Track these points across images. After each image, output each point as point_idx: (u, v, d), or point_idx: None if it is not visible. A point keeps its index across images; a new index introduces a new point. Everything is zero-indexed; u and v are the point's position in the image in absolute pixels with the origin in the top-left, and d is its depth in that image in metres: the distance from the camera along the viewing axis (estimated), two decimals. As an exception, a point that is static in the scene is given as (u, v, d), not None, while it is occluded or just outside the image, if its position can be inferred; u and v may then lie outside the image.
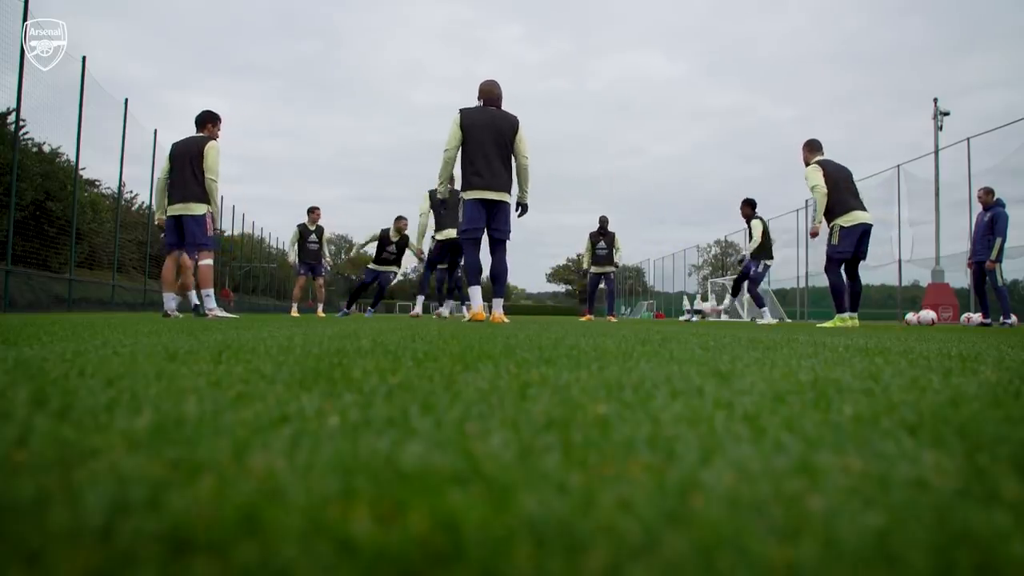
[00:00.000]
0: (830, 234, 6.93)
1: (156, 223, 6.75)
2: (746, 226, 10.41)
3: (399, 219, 10.90)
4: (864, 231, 6.87)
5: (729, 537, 0.36)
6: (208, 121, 6.67)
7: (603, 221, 11.69)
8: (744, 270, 10.33)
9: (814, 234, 7.10)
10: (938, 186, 16.46)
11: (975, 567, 0.34)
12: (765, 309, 10.10)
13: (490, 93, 5.95)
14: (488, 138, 5.76)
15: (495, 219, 5.92)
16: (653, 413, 0.76)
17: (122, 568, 0.32)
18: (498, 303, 6.21)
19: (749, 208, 10.22)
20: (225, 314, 6.56)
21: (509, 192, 5.93)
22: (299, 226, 11.55)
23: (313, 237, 11.55)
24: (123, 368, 1.19)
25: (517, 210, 6.08)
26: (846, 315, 6.96)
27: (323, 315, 11.23)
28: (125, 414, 0.71)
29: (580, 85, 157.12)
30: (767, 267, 10.31)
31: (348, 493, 0.43)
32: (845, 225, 6.82)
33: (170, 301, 6.54)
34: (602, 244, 11.63)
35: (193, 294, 7.67)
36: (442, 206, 6.74)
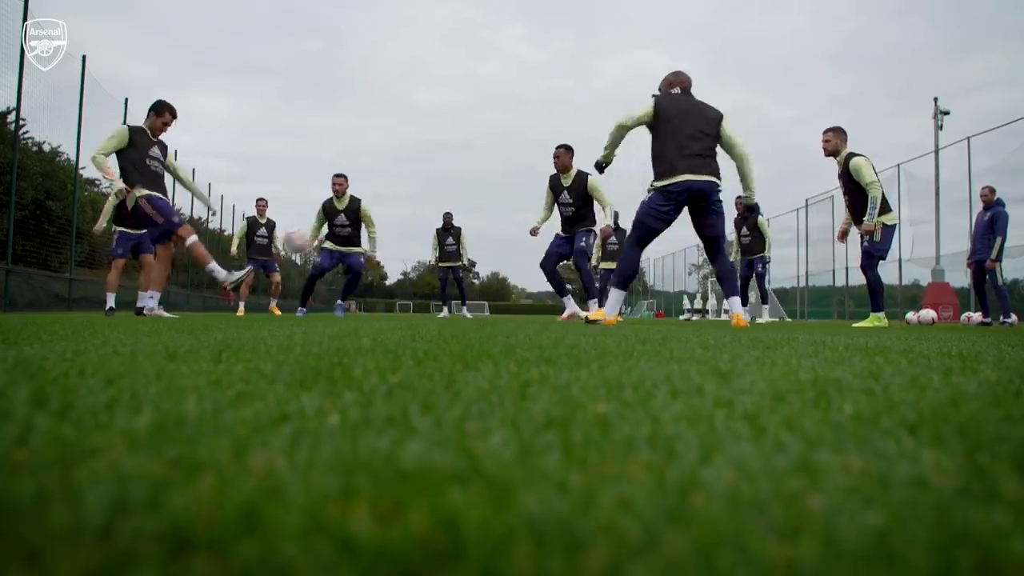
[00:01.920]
0: (872, 232, 6.62)
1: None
2: (745, 226, 10.34)
3: (336, 177, 8.53)
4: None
5: (729, 536, 0.36)
6: (152, 110, 6.29)
7: (616, 216, 11.71)
8: (761, 271, 10.22)
9: (868, 231, 6.62)
10: (938, 185, 16.47)
11: (975, 566, 0.34)
12: (767, 307, 10.16)
13: (686, 82, 5.37)
14: (689, 125, 5.10)
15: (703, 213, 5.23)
16: (653, 412, 0.76)
17: (122, 567, 0.32)
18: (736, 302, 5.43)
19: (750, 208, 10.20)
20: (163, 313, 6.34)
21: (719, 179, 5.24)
22: (248, 219, 11.06)
23: (263, 231, 10.92)
24: (123, 367, 1.19)
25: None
26: (882, 314, 6.81)
27: (279, 312, 10.35)
28: (125, 413, 0.71)
29: (583, 85, 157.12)
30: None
31: (348, 492, 0.43)
32: (888, 223, 6.64)
33: (148, 300, 6.40)
34: (613, 240, 11.63)
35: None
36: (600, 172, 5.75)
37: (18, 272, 9.96)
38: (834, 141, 6.74)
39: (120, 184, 5.96)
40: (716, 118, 5.24)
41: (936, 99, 17.43)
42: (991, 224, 8.81)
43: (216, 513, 0.38)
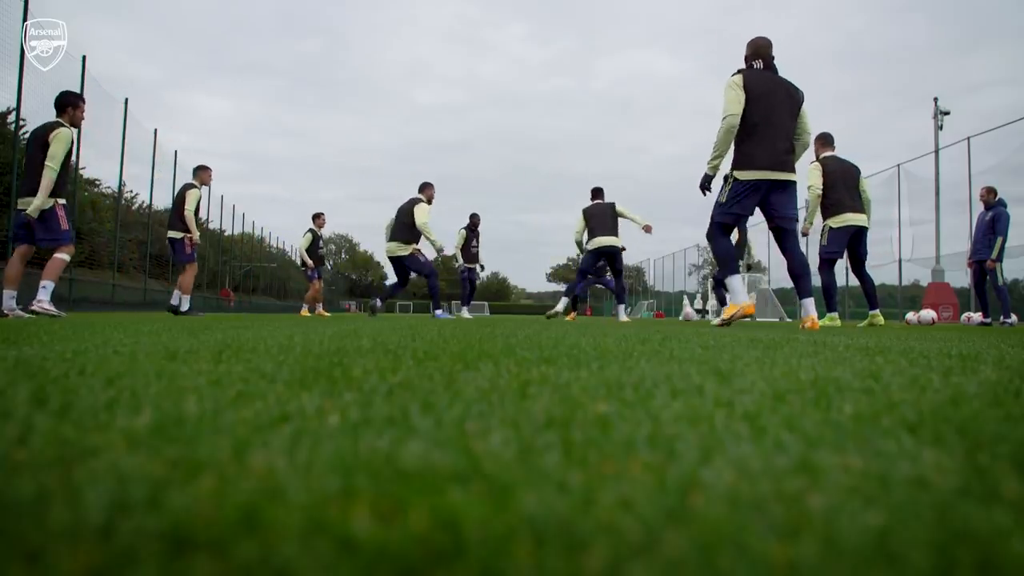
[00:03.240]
0: (821, 234, 6.98)
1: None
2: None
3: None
4: (856, 232, 6.87)
5: (729, 536, 0.36)
6: (68, 105, 6.07)
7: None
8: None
9: (804, 233, 7.01)
10: (938, 185, 16.46)
11: (975, 565, 0.34)
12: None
13: (769, 53, 4.99)
14: (777, 107, 4.81)
15: (782, 204, 4.96)
16: (653, 412, 0.76)
17: (122, 566, 0.32)
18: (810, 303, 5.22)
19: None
20: (51, 310, 5.99)
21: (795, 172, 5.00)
22: (310, 230, 11.90)
23: (322, 243, 11.96)
24: (123, 367, 1.19)
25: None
26: (835, 314, 6.98)
27: (327, 314, 11.35)
28: (125, 413, 0.71)
29: (584, 84, 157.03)
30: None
31: (348, 492, 0.43)
32: (835, 226, 6.86)
33: (9, 300, 6.03)
34: None
35: (184, 299, 7.77)
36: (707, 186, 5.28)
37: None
38: (815, 147, 7.14)
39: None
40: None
41: (936, 99, 17.44)
42: (992, 224, 8.81)
43: (216, 513, 0.38)
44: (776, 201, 4.97)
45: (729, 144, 4.93)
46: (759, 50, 5.03)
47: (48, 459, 0.51)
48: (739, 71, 4.95)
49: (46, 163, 5.80)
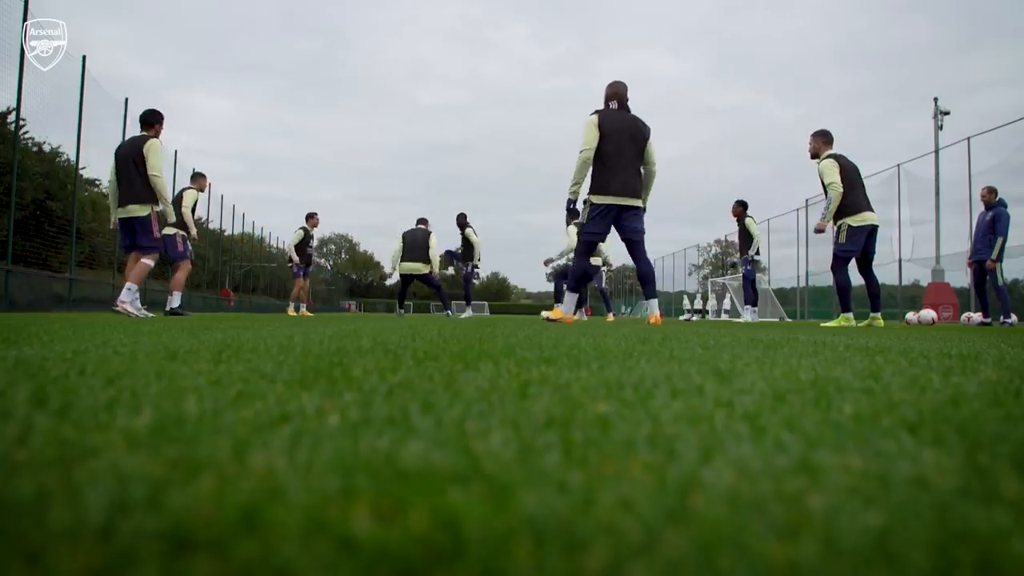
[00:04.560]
0: (837, 232, 6.78)
1: (111, 227, 6.99)
2: (738, 226, 10.41)
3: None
4: (871, 231, 6.81)
5: (729, 536, 0.36)
6: (156, 121, 6.76)
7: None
8: (749, 273, 10.30)
9: (819, 230, 6.93)
10: (938, 185, 16.46)
11: (975, 565, 0.34)
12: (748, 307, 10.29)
13: (624, 95, 5.91)
14: (626, 143, 5.70)
15: (631, 222, 5.84)
16: (653, 412, 0.76)
17: (122, 566, 0.32)
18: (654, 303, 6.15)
19: (742, 208, 10.30)
20: (131, 311, 6.38)
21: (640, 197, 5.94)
22: (303, 229, 12.04)
23: (313, 242, 12.12)
24: (123, 367, 1.19)
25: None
26: (850, 314, 6.92)
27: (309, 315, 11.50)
28: (125, 413, 0.71)
29: (586, 84, 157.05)
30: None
31: (348, 492, 0.43)
32: (854, 224, 6.70)
33: (126, 294, 6.54)
34: None
35: (174, 296, 7.82)
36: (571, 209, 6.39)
37: (18, 272, 9.96)
38: (814, 144, 7.03)
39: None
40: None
41: (936, 99, 17.44)
42: (992, 224, 8.81)
43: (216, 513, 0.38)
44: (626, 221, 5.86)
45: (585, 174, 5.78)
46: (617, 93, 5.91)
47: (48, 459, 0.51)
48: (596, 111, 5.78)
49: (151, 173, 6.42)
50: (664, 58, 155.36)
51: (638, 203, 5.85)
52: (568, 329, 4.09)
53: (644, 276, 6.16)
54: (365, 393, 0.89)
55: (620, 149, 5.69)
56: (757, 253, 10.35)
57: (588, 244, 6.01)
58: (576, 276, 6.17)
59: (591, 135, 5.66)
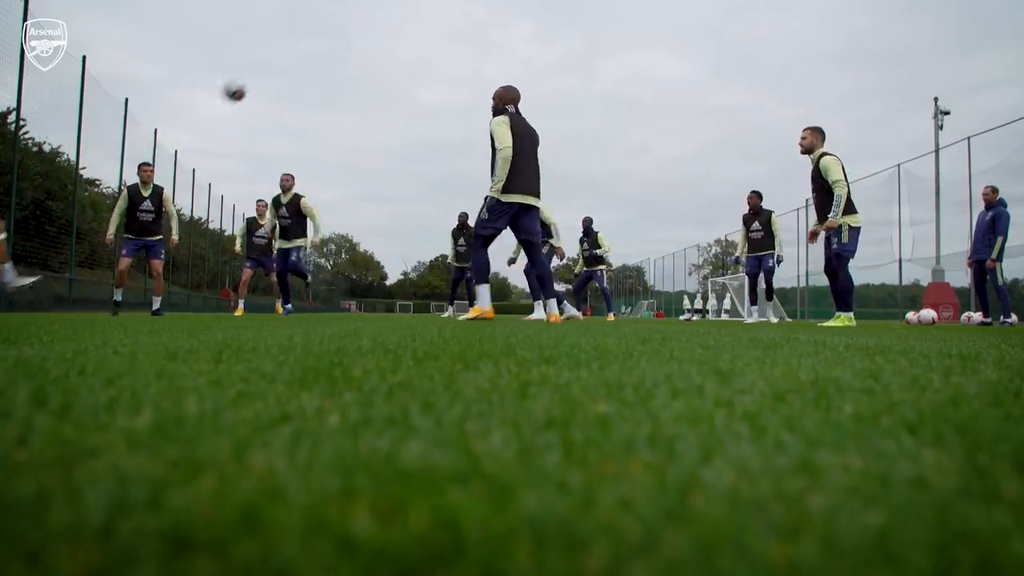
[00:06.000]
0: (839, 233, 6.76)
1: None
2: (757, 220, 9.81)
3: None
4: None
5: (729, 536, 0.36)
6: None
7: (586, 222, 11.81)
8: (769, 272, 9.84)
9: (830, 228, 6.75)
10: (939, 185, 16.46)
11: (976, 565, 0.34)
12: (758, 307, 10.05)
13: (519, 100, 6.13)
14: (527, 145, 5.95)
15: (530, 222, 6.07)
16: (653, 412, 0.76)
17: (123, 566, 0.32)
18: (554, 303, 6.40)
19: (759, 198, 9.63)
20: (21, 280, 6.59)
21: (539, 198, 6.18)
22: (248, 219, 11.02)
23: (262, 232, 10.74)
24: (123, 367, 1.19)
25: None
26: (851, 314, 6.93)
27: (281, 312, 10.51)
28: (125, 413, 0.71)
29: (588, 84, 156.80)
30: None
31: (348, 492, 0.43)
32: (853, 225, 6.76)
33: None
34: (586, 245, 11.72)
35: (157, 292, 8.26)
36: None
37: (18, 272, 9.94)
38: (810, 139, 6.93)
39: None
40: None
41: (936, 99, 17.44)
42: (992, 224, 8.80)
43: (216, 513, 0.38)
44: (525, 220, 6.07)
45: (507, 171, 5.88)
46: (515, 98, 6.13)
47: (48, 459, 0.51)
48: (504, 113, 6.00)
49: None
50: (666, 58, 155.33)
51: (538, 204, 6.11)
52: (569, 329, 4.08)
53: (540, 277, 6.42)
54: (365, 393, 0.89)
55: (524, 151, 5.94)
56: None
57: (484, 239, 6.13)
58: (478, 269, 6.26)
59: (507, 134, 5.85)
